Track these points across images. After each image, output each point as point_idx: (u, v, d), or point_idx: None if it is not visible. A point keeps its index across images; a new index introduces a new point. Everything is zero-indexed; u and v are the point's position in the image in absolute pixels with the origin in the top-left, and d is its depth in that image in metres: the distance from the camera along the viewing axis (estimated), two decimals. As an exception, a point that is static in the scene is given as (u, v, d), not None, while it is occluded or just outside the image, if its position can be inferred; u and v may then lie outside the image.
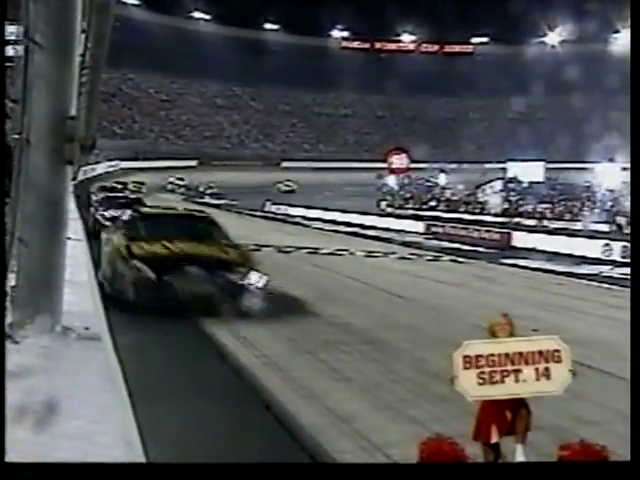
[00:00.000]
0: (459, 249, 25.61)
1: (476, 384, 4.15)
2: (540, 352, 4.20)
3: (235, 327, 9.27)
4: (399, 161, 63.51)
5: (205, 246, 10.88)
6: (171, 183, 64.23)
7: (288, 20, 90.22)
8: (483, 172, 61.70)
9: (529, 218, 41.64)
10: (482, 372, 4.15)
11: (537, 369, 4.19)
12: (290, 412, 6.03)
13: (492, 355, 4.17)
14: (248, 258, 11.10)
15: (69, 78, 4.76)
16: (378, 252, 22.72)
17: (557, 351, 4.22)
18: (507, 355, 4.17)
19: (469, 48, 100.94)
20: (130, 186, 54.12)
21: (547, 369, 4.19)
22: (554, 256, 23.26)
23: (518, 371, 4.18)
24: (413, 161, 65.00)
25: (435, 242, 29.38)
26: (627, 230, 30.25)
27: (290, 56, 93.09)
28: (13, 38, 4.89)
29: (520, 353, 4.19)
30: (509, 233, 29.70)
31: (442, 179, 60.58)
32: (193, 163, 77.33)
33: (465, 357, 4.16)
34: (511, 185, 51.27)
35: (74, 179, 8.26)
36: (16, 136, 4.66)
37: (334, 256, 20.88)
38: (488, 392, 4.18)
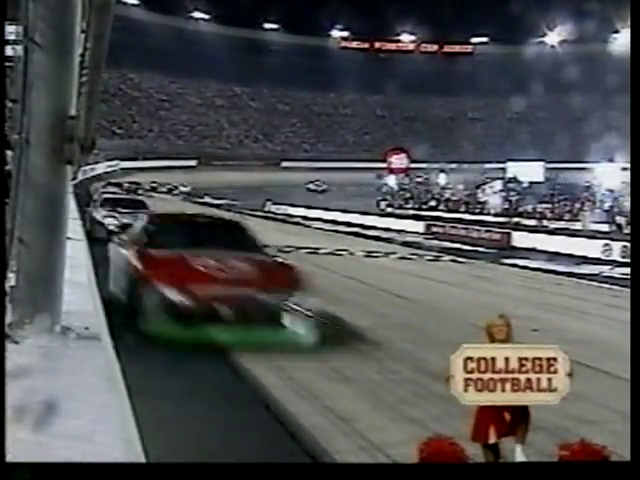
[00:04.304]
0: (459, 249, 25.62)
1: (473, 389, 4.09)
2: (539, 361, 4.14)
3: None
4: (399, 161, 63.67)
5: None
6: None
7: (287, 20, 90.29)
8: (483, 172, 61.74)
9: (529, 218, 41.70)
10: (480, 378, 4.10)
11: (535, 379, 4.12)
12: (290, 411, 6.05)
13: (490, 360, 4.10)
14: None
15: (69, 78, 4.75)
16: (378, 252, 22.71)
17: (555, 360, 4.15)
18: (506, 360, 4.10)
19: (469, 48, 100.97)
20: (146, 186, 55.03)
21: (545, 379, 4.12)
22: (554, 256, 23.28)
23: (516, 379, 4.12)
24: (413, 161, 65.07)
25: (435, 242, 29.38)
26: (627, 230, 30.26)
27: (290, 56, 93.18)
28: (13, 38, 4.88)
29: (519, 360, 4.12)
30: (509, 233, 29.74)
31: (442, 179, 60.62)
32: (193, 163, 77.43)
33: (463, 361, 4.09)
34: (511, 185, 51.39)
35: (74, 179, 8.25)
36: (16, 136, 4.65)
37: (334, 256, 20.88)
38: (483, 398, 4.12)
